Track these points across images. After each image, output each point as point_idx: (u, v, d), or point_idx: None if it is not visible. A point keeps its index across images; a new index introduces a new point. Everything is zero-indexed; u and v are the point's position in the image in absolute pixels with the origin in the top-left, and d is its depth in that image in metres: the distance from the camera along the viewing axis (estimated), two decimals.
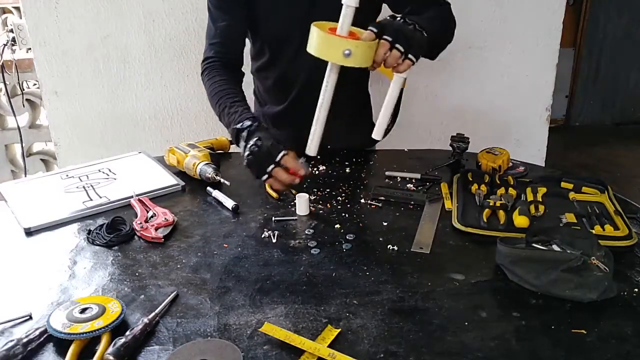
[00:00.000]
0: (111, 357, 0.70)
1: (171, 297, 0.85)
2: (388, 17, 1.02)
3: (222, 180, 1.22)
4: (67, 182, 1.27)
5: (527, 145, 2.26)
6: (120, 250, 1.00)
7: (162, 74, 2.05)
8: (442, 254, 0.98)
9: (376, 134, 1.06)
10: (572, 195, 1.16)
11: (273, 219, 1.10)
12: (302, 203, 1.12)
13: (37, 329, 0.76)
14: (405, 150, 1.48)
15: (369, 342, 0.75)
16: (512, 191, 1.15)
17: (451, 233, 1.04)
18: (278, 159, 1.07)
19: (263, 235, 1.04)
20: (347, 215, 1.12)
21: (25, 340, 0.74)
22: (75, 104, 2.06)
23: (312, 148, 1.07)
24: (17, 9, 2.33)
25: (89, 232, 1.05)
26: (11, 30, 2.20)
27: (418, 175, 1.28)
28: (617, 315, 0.80)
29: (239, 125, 1.14)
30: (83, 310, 0.78)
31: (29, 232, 1.07)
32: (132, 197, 1.17)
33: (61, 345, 0.74)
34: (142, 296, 0.86)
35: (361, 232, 1.06)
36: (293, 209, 1.14)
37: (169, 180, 1.27)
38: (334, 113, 1.43)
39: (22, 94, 2.45)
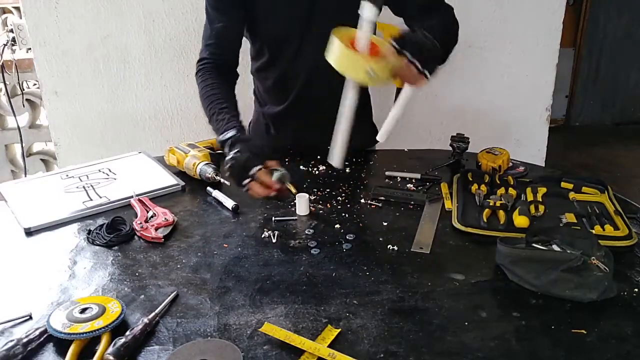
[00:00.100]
0: (111, 357, 0.70)
1: (171, 297, 0.85)
2: (407, 31, 1.01)
3: (222, 180, 1.22)
4: (67, 182, 1.27)
5: (527, 145, 2.26)
6: (120, 250, 1.00)
7: (162, 74, 2.05)
8: (442, 254, 0.98)
9: (381, 137, 1.06)
10: (572, 195, 1.16)
11: (273, 219, 1.10)
12: (302, 203, 1.12)
13: (37, 329, 0.76)
14: (405, 150, 1.48)
15: (369, 342, 0.75)
16: (512, 191, 1.15)
17: (451, 233, 1.04)
18: (252, 172, 1.06)
19: (263, 235, 1.04)
20: (347, 215, 1.12)
21: (25, 340, 0.74)
22: (75, 104, 2.06)
23: (335, 159, 1.05)
24: (17, 9, 2.32)
25: (89, 232, 1.05)
26: (11, 30, 2.20)
27: (418, 175, 1.28)
28: (617, 315, 0.80)
29: (221, 137, 1.14)
30: (83, 310, 0.78)
31: (29, 232, 1.07)
32: (132, 197, 1.17)
33: (61, 345, 0.74)
34: (142, 296, 0.86)
35: (361, 232, 1.06)
36: (293, 209, 1.14)
37: (169, 180, 1.27)
38: (334, 113, 1.43)
39: (22, 94, 2.45)
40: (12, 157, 2.63)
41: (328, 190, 1.23)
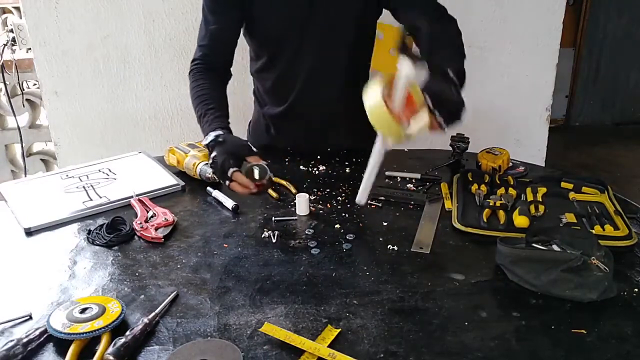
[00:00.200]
0: (111, 357, 0.70)
1: (171, 297, 0.85)
2: (439, 83, 0.99)
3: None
4: (67, 182, 1.27)
5: (527, 145, 2.26)
6: (120, 250, 1.00)
7: (162, 74, 2.05)
8: (442, 254, 0.98)
9: (359, 200, 1.06)
10: (572, 195, 1.16)
11: (273, 219, 1.10)
12: (302, 203, 1.12)
13: (37, 329, 0.76)
14: (405, 150, 1.48)
15: (369, 342, 0.75)
16: (512, 191, 1.15)
17: (451, 233, 1.04)
18: (229, 174, 1.07)
19: (263, 235, 1.04)
20: (347, 215, 1.12)
21: (25, 340, 0.74)
22: (75, 104, 2.06)
23: (359, 198, 1.07)
24: (17, 9, 2.33)
25: (89, 232, 1.05)
26: (11, 30, 2.20)
27: (418, 175, 1.28)
28: (617, 315, 0.80)
29: (205, 141, 1.16)
30: (83, 310, 0.78)
31: (29, 232, 1.07)
32: (132, 197, 1.17)
33: (61, 345, 0.74)
34: (142, 296, 0.86)
35: (361, 232, 1.06)
36: (293, 209, 1.14)
37: (169, 180, 1.27)
38: (334, 113, 1.44)
39: (22, 94, 2.45)
40: (12, 157, 2.63)
41: (328, 190, 1.23)
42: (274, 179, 1.24)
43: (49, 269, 0.95)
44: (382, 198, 1.18)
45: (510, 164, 1.32)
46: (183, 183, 1.25)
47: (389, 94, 0.96)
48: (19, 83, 2.38)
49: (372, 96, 0.96)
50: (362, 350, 0.74)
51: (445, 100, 0.97)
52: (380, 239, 1.03)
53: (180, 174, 1.31)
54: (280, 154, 1.42)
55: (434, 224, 1.07)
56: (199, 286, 0.89)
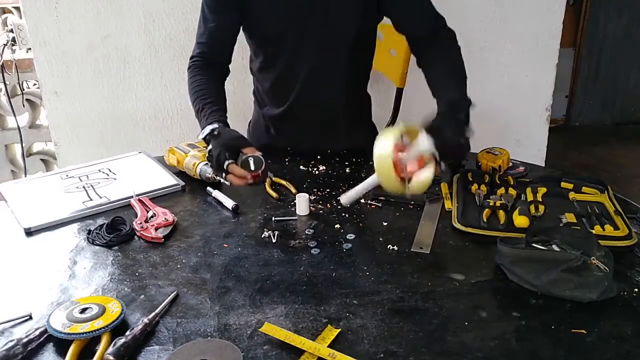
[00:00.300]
0: (111, 357, 0.70)
1: (171, 297, 0.85)
2: (448, 132, 1.01)
3: (222, 180, 1.21)
4: (67, 182, 1.27)
5: (527, 145, 2.26)
6: (120, 250, 1.00)
7: (162, 74, 2.05)
8: (442, 254, 0.98)
9: (344, 200, 1.10)
10: (572, 195, 1.16)
11: (273, 219, 1.10)
12: (302, 203, 1.12)
13: (37, 329, 0.76)
14: None
15: (369, 342, 0.75)
16: (512, 191, 1.15)
17: (451, 233, 1.04)
18: (225, 167, 1.09)
19: (263, 235, 1.04)
20: (347, 215, 1.12)
21: (25, 340, 0.74)
22: (75, 104, 2.06)
23: (345, 200, 1.11)
24: (17, 9, 2.33)
25: (89, 232, 1.05)
26: (11, 30, 2.20)
27: None
28: (617, 315, 0.80)
29: (201, 135, 1.17)
30: (83, 310, 0.78)
31: (29, 232, 1.07)
32: (132, 197, 1.17)
33: (61, 345, 0.74)
34: (142, 296, 0.86)
35: (361, 232, 1.06)
36: (293, 209, 1.14)
37: (169, 180, 1.27)
38: (334, 114, 1.44)
39: (22, 94, 2.45)
40: (12, 157, 2.63)
41: (328, 190, 1.23)
42: (274, 179, 1.24)
43: (49, 269, 0.95)
44: (382, 198, 1.18)
45: (510, 164, 1.32)
46: (183, 183, 1.25)
47: (401, 148, 0.96)
48: (19, 83, 2.38)
49: (383, 146, 0.97)
50: (362, 350, 0.74)
51: (453, 152, 1.00)
52: (380, 239, 1.03)
53: (180, 174, 1.31)
54: (280, 154, 1.42)
55: (434, 224, 1.07)
56: (199, 286, 0.89)
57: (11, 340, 0.73)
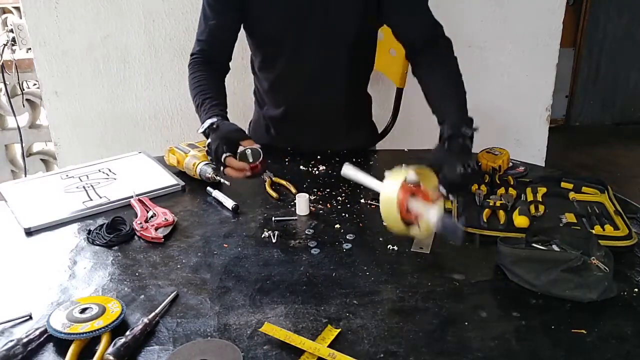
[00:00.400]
0: (111, 357, 0.70)
1: (171, 297, 0.85)
2: (457, 169, 0.99)
3: (222, 180, 1.22)
4: (67, 182, 1.27)
5: (527, 145, 2.26)
6: (120, 250, 1.00)
7: (162, 74, 2.05)
8: (442, 254, 0.98)
9: (344, 171, 1.05)
10: (572, 195, 1.16)
11: (273, 219, 1.10)
12: (302, 203, 1.12)
13: (37, 329, 0.76)
14: (406, 150, 1.47)
15: (369, 342, 0.75)
16: (512, 191, 1.15)
17: None
18: (223, 159, 1.11)
19: (263, 235, 1.04)
20: (347, 215, 1.12)
21: (25, 340, 0.74)
22: (75, 104, 2.06)
23: (346, 169, 1.05)
24: (17, 9, 2.33)
25: (89, 232, 1.05)
26: (11, 30, 2.20)
27: None
28: (617, 315, 0.80)
29: (200, 129, 1.19)
30: (83, 310, 0.78)
31: (29, 232, 1.07)
32: (132, 197, 1.17)
33: (61, 345, 0.74)
34: (142, 296, 0.86)
35: (361, 232, 1.06)
36: (293, 209, 1.14)
37: (169, 180, 1.27)
38: (334, 114, 1.44)
39: (22, 94, 2.45)
40: (12, 157, 2.63)
41: (328, 190, 1.23)
42: (274, 179, 1.24)
43: (49, 269, 0.95)
44: None
45: (510, 164, 1.32)
46: (183, 183, 1.25)
47: (410, 190, 0.93)
48: (19, 83, 2.38)
49: (390, 188, 0.93)
50: (362, 350, 0.74)
51: (461, 185, 1.00)
52: (380, 239, 1.03)
53: (180, 174, 1.31)
54: (280, 154, 1.42)
55: None
56: (199, 286, 0.89)
57: (11, 340, 0.73)
